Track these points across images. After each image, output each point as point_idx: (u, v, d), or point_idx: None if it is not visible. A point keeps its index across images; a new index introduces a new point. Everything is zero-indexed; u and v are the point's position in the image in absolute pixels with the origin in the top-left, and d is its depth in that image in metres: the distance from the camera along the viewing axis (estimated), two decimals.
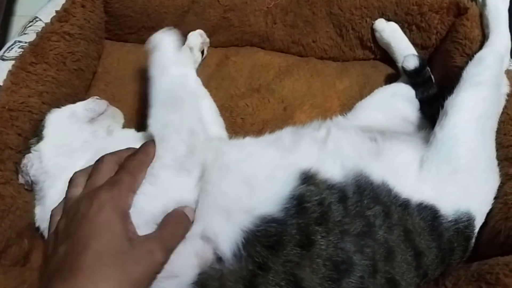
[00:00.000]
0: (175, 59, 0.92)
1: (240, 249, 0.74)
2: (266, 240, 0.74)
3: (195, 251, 0.75)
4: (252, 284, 0.73)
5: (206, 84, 1.17)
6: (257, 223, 0.75)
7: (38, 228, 0.91)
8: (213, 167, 0.83)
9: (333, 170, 0.81)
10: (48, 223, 0.84)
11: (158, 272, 0.70)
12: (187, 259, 0.75)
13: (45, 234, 0.88)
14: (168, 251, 0.72)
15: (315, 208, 0.76)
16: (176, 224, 0.75)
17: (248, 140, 0.91)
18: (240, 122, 1.15)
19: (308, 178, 0.79)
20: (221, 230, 0.76)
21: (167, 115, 0.84)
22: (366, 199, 0.79)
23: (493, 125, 0.94)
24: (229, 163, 0.84)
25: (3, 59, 0.97)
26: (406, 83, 1.14)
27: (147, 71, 0.90)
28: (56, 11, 1.09)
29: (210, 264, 0.75)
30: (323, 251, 0.74)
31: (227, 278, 0.74)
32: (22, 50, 1.00)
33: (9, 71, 0.95)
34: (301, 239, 0.74)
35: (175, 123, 0.83)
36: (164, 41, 0.94)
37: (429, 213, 0.82)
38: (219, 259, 0.74)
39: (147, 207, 0.76)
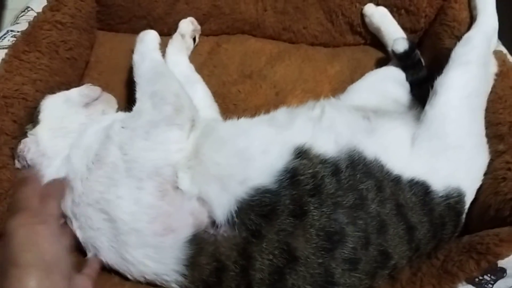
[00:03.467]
0: (155, 48, 1.04)
1: (233, 216, 0.78)
2: (260, 209, 0.78)
3: (191, 210, 0.81)
4: (246, 252, 0.77)
5: (199, 71, 1.18)
6: (251, 193, 0.79)
7: None
8: (206, 141, 0.88)
9: (327, 146, 0.83)
10: None
11: None
12: (183, 216, 0.80)
13: None
14: None
15: (308, 181, 0.79)
16: None
17: (243, 119, 0.94)
18: (233, 108, 1.16)
19: (302, 153, 0.82)
20: (216, 196, 0.80)
21: (152, 86, 0.94)
22: (359, 174, 0.81)
23: (482, 103, 0.96)
24: (223, 137, 0.89)
25: None
26: (397, 66, 1.16)
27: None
28: (48, 1, 1.10)
29: (204, 227, 0.79)
30: (316, 221, 0.77)
31: (221, 244, 0.78)
32: (15, 39, 1.01)
33: (3, 59, 0.97)
34: (295, 209, 0.77)
35: (159, 90, 0.92)
36: (147, 35, 1.06)
37: (421, 188, 0.84)
38: (213, 223, 0.79)
39: (147, 160, 0.84)
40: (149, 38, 1.05)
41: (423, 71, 1.14)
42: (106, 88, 1.09)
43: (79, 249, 0.89)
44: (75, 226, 0.86)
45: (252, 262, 0.77)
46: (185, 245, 0.79)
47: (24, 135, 0.94)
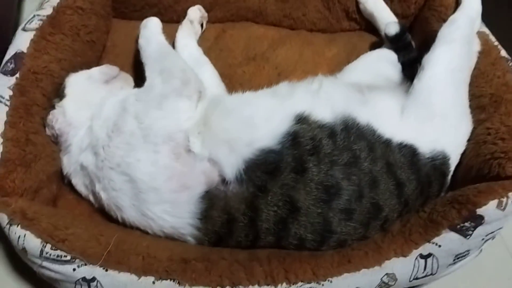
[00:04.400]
0: (158, 32, 1.13)
1: (241, 174, 0.87)
2: (265, 167, 0.87)
3: (203, 170, 0.89)
4: (253, 204, 0.87)
5: (206, 55, 1.26)
6: (257, 154, 0.88)
7: (64, 177, 1.02)
8: (214, 112, 0.96)
9: (324, 113, 0.92)
10: (74, 167, 0.97)
11: None
12: (196, 175, 0.89)
13: (71, 178, 1.01)
14: None
15: (307, 142, 0.88)
16: None
17: (248, 93, 1.03)
18: (239, 87, 1.22)
19: (302, 119, 0.91)
20: (225, 157, 0.89)
21: (160, 64, 1.03)
22: (353, 136, 0.90)
23: (465, 77, 1.05)
24: (229, 107, 0.97)
25: (25, 30, 1.08)
26: (389, 48, 1.25)
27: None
28: None
29: (216, 184, 0.88)
30: (315, 176, 0.86)
31: (231, 199, 0.87)
32: (41, 22, 1.09)
33: (31, 39, 1.05)
34: (296, 166, 0.86)
35: (167, 67, 1.02)
36: (150, 21, 1.15)
37: (409, 150, 0.93)
38: (223, 180, 0.88)
39: (161, 127, 0.93)
40: (152, 24, 1.14)
41: (414, 52, 1.22)
42: (122, 69, 1.17)
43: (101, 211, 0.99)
44: (98, 188, 0.95)
45: (259, 214, 0.86)
46: (199, 201, 0.88)
47: (52, 107, 1.04)
